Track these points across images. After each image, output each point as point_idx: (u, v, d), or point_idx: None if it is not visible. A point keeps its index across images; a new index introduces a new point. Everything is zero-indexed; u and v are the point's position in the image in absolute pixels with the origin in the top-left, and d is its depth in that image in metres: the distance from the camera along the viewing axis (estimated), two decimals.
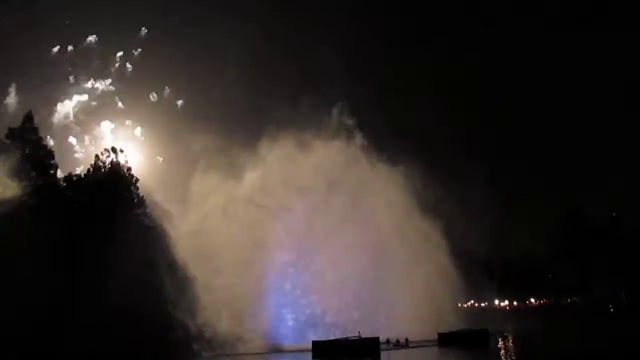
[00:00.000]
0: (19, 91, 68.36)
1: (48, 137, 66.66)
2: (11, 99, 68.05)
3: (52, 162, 62.40)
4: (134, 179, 64.15)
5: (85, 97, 72.71)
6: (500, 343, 52.94)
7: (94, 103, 72.43)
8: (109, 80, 74.49)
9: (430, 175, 66.77)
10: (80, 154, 69.58)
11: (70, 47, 73.79)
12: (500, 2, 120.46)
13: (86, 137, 69.89)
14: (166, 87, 77.24)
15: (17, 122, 61.18)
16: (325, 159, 67.14)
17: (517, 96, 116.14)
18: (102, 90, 74.09)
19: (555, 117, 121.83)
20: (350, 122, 72.41)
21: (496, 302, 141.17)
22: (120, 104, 73.74)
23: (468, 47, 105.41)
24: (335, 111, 72.31)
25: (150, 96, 75.89)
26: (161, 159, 71.07)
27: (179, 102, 78.62)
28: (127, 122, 71.99)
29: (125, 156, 66.49)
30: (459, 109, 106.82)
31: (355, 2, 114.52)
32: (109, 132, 70.36)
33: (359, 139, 71.59)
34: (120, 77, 75.88)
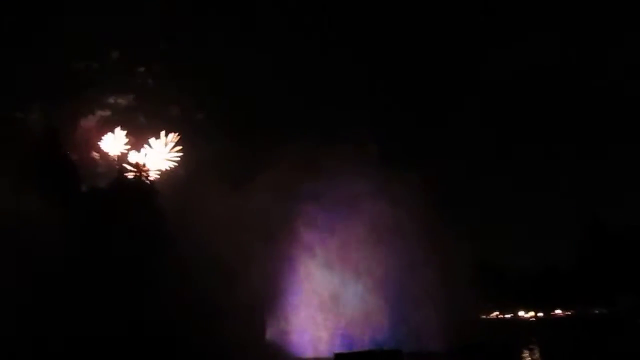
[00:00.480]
0: (43, 107, 69.73)
1: (71, 152, 67.64)
2: (35, 114, 69.43)
3: (76, 176, 63.76)
4: (156, 192, 65.14)
5: (108, 112, 73.69)
6: (526, 355, 52.17)
7: (117, 118, 73.26)
8: (131, 96, 75.38)
9: (451, 185, 66.00)
10: (103, 168, 70.39)
11: (93, 63, 74.98)
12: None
13: (109, 152, 70.65)
14: (187, 100, 77.93)
15: (41, 138, 62.84)
16: (339, 166, 66.26)
17: (537, 109, 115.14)
18: (125, 106, 74.98)
19: (577, 129, 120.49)
20: (365, 131, 71.78)
21: (521, 313, 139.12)
22: (142, 119, 74.47)
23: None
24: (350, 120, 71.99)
25: (172, 110, 76.68)
26: (182, 173, 71.56)
27: (199, 116, 79.20)
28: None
29: (147, 171, 67.71)
30: (476, 120, 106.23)
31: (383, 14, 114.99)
32: (131, 147, 71.00)
33: (374, 147, 70.96)
34: (142, 92, 76.67)
